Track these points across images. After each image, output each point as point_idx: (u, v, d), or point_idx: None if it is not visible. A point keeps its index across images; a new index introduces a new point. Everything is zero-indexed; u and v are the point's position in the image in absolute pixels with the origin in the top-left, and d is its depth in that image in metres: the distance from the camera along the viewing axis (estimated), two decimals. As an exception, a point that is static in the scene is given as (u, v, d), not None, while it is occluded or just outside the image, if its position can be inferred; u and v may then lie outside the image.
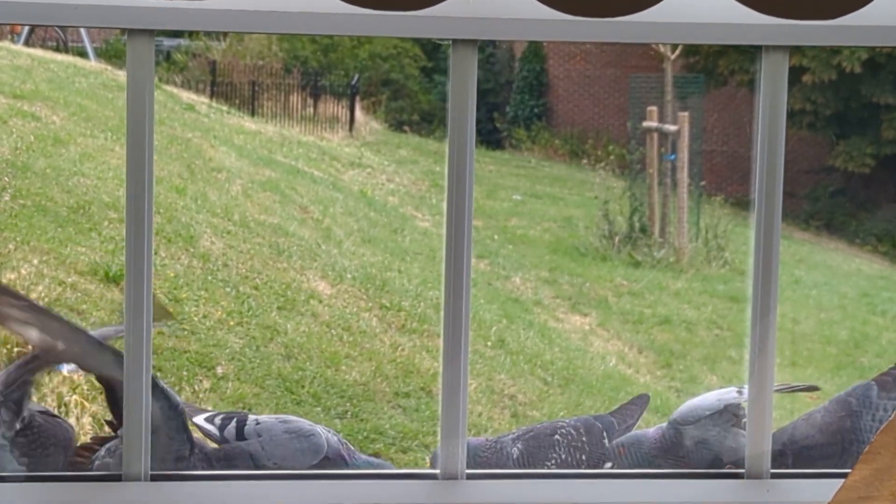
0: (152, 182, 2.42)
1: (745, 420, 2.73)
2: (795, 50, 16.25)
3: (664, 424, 3.03)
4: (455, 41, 2.45)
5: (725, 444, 2.88)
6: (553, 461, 2.99)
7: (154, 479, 2.50)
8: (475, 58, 2.47)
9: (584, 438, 3.04)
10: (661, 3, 2.32)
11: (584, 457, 3.00)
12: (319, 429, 2.94)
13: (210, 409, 6.92)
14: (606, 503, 2.56)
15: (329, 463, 2.86)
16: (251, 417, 2.99)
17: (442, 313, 2.49)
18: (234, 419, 2.98)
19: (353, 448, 2.96)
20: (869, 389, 2.90)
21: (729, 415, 2.91)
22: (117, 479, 2.50)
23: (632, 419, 3.18)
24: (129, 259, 2.44)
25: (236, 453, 2.89)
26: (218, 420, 3.00)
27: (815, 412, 2.92)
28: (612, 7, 2.32)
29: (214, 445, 3.01)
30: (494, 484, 2.60)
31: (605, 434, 3.07)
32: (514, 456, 2.99)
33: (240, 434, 2.92)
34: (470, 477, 2.56)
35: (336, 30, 2.41)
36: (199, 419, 3.02)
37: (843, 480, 2.14)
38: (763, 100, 2.52)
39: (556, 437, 3.05)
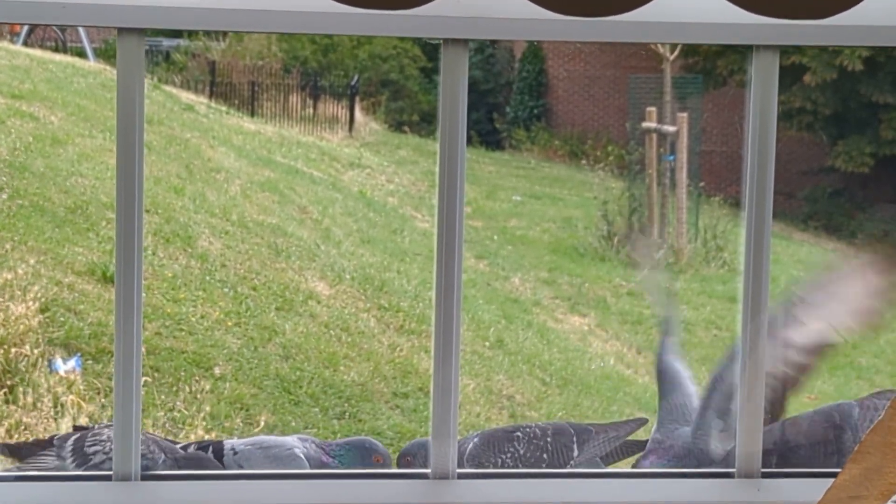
0: (142, 181, 2.42)
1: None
2: (795, 49, 16.26)
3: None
4: (446, 40, 2.45)
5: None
6: (509, 454, 2.97)
7: (145, 478, 2.50)
8: (466, 57, 2.47)
9: (548, 439, 3.02)
10: (651, 3, 2.32)
11: (545, 455, 2.98)
12: (296, 445, 2.90)
13: (203, 417, 6.91)
14: (597, 502, 2.56)
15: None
16: (227, 445, 2.93)
17: (433, 312, 2.48)
18: (210, 448, 2.92)
19: (327, 443, 2.94)
20: (851, 409, 2.97)
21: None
22: (108, 478, 2.50)
23: (616, 432, 3.14)
24: (119, 257, 2.44)
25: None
26: (192, 452, 2.93)
27: (800, 419, 2.96)
28: (602, 6, 2.32)
29: None
30: (486, 483, 2.60)
31: (575, 440, 3.04)
32: (468, 448, 2.97)
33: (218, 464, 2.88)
34: (461, 476, 2.56)
35: (325, 29, 2.41)
36: None
37: (833, 480, 2.14)
38: (754, 99, 2.52)
39: (518, 433, 3.03)
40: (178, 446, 2.96)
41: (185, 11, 2.34)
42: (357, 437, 3.12)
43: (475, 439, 3.00)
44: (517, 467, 2.94)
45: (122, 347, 2.48)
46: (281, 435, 3.19)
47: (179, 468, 2.79)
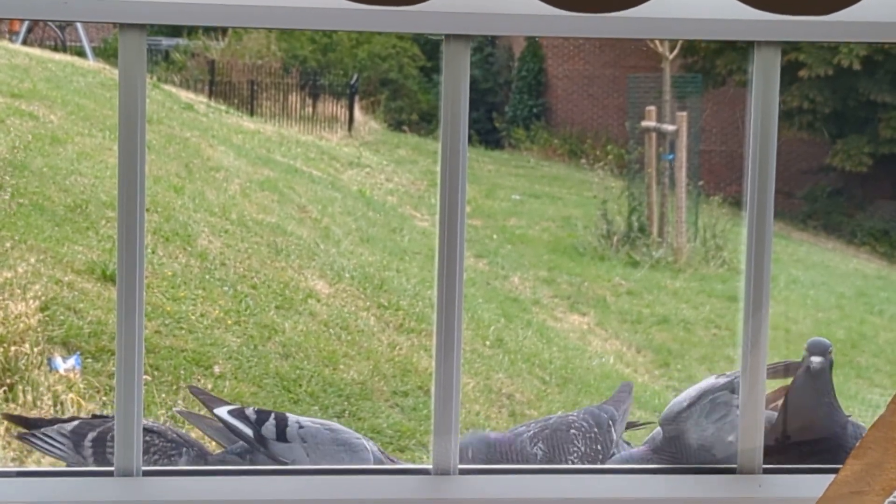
0: (144, 178, 2.42)
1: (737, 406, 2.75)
2: (792, 47, 16.26)
3: (650, 436, 3.03)
4: (448, 36, 2.45)
5: (721, 438, 2.90)
6: (575, 454, 2.98)
7: (146, 474, 2.50)
8: (468, 53, 2.47)
9: (595, 430, 3.04)
10: (653, 0, 2.32)
11: (599, 447, 3.01)
12: (364, 440, 2.85)
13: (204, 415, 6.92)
14: (598, 498, 2.56)
15: None
16: (291, 417, 2.85)
17: (435, 310, 2.48)
18: (272, 416, 2.85)
19: (394, 459, 2.91)
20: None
21: (712, 403, 2.93)
22: (109, 474, 2.50)
23: (624, 404, 3.20)
24: (121, 255, 2.44)
25: (277, 455, 2.78)
26: (251, 414, 2.86)
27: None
28: (605, 3, 2.32)
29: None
30: (486, 479, 2.60)
31: (611, 423, 3.08)
32: (539, 456, 2.96)
33: (280, 435, 2.81)
34: (462, 472, 2.56)
35: (328, 24, 2.41)
36: (222, 412, 2.87)
37: (834, 475, 2.14)
38: (755, 96, 2.52)
39: (572, 431, 3.04)
40: (230, 408, 2.88)
41: (186, 7, 2.34)
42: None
43: (540, 444, 2.99)
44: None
45: (124, 345, 2.47)
46: None
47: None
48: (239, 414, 2.87)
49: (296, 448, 2.78)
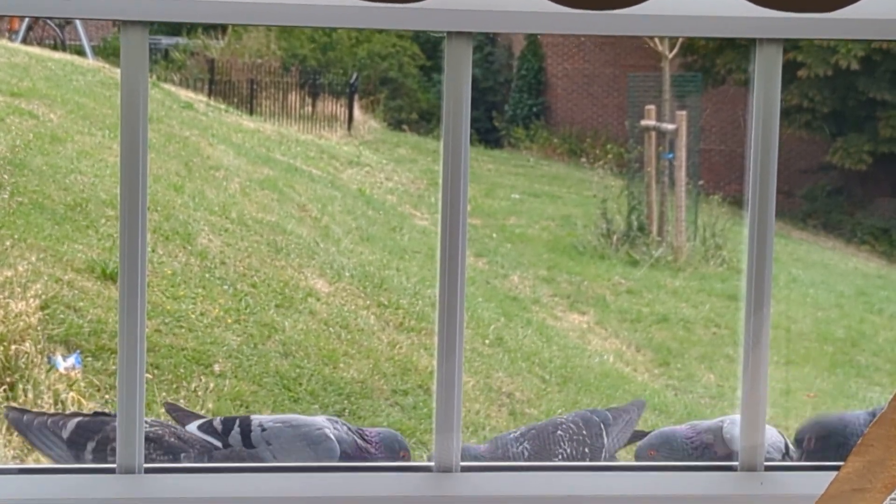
0: (146, 173, 2.42)
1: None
2: (792, 47, 16.25)
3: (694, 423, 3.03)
4: (450, 34, 2.45)
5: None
6: (559, 456, 2.98)
7: (148, 471, 2.50)
8: (470, 50, 2.47)
9: (584, 432, 3.04)
10: (655, -3, 2.32)
11: (586, 450, 3.01)
12: (327, 427, 2.85)
13: (205, 413, 6.93)
14: (601, 496, 2.56)
15: (346, 458, 2.80)
16: (254, 420, 2.89)
17: (437, 308, 2.49)
18: (237, 422, 2.88)
19: (362, 429, 2.90)
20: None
21: None
22: (111, 471, 2.50)
23: (628, 415, 3.19)
24: (123, 252, 2.44)
25: (245, 458, 2.80)
26: (218, 425, 2.90)
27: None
28: (607, 0, 2.32)
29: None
30: (488, 476, 2.61)
31: (602, 427, 3.08)
32: (525, 456, 2.97)
33: (246, 440, 2.84)
34: (464, 469, 2.56)
35: (330, 22, 2.41)
36: (192, 428, 2.91)
37: (836, 473, 2.14)
38: (757, 93, 2.52)
39: (559, 433, 3.04)
40: (199, 423, 2.92)
41: (187, 4, 2.34)
42: (385, 429, 3.06)
43: (525, 444, 3.00)
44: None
45: (126, 343, 2.47)
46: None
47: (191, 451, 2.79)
48: (207, 427, 2.90)
49: (262, 452, 2.81)
